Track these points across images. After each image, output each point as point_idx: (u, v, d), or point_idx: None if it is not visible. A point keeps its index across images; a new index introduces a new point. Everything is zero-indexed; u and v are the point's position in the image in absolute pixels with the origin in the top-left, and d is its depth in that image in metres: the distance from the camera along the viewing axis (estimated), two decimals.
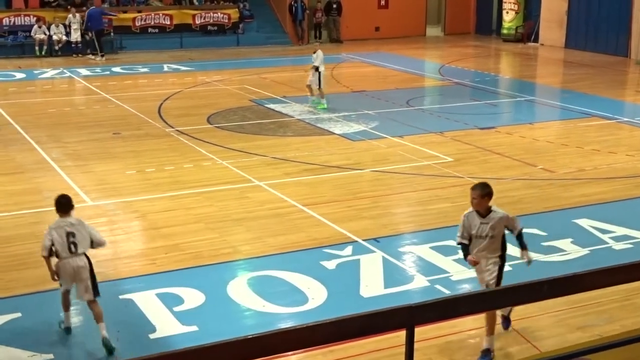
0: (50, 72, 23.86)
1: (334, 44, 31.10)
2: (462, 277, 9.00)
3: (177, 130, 16.07)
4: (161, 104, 18.88)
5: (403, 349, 4.06)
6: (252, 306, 8.36)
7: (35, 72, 23.77)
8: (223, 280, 8.94)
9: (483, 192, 7.36)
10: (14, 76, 23.08)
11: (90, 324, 8.09)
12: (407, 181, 12.77)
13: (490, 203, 7.38)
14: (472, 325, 7.80)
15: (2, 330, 7.74)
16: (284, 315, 8.03)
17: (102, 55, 26.08)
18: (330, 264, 9.36)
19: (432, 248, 9.87)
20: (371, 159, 14.08)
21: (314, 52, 18.37)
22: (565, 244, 10.00)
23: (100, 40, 26.26)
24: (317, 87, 18.26)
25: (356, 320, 3.90)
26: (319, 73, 18.09)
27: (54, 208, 7.65)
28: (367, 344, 7.13)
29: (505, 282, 7.10)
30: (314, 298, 8.48)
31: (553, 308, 8.03)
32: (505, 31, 31.41)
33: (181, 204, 11.58)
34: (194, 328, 7.79)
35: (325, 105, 18.27)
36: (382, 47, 29.66)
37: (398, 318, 4.00)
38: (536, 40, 30.52)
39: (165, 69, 24.72)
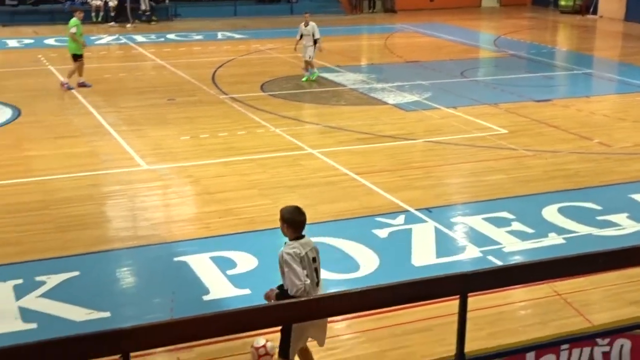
0: (106, 39, 24.17)
1: (388, 14, 30.85)
2: (514, 248, 8.96)
3: (231, 97, 16.17)
4: (215, 71, 19.00)
5: (453, 318, 4.07)
6: None
7: (92, 38, 24.04)
8: (276, 246, 8.89)
9: (280, 216, 6.05)
10: None
11: (147, 285, 8.29)
12: (460, 152, 12.69)
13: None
14: (524, 297, 7.77)
15: (61, 287, 7.95)
16: (336, 282, 8.07)
17: (116, 23, 26.72)
18: (382, 232, 9.38)
19: (484, 219, 9.82)
20: (424, 129, 14.01)
21: (306, 25, 17.79)
22: (620, 218, 9.87)
23: (122, 10, 26.75)
24: (311, 58, 17.87)
25: (410, 286, 3.92)
26: (315, 44, 17.80)
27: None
28: (417, 312, 7.17)
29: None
30: (366, 265, 8.53)
31: (606, 282, 7.95)
32: (563, 3, 30.80)
33: (234, 170, 11.69)
34: (247, 291, 7.90)
35: (317, 74, 18.14)
36: (437, 18, 29.33)
37: (452, 285, 4.01)
38: (595, 12, 29.88)
39: (219, 36, 24.83)
